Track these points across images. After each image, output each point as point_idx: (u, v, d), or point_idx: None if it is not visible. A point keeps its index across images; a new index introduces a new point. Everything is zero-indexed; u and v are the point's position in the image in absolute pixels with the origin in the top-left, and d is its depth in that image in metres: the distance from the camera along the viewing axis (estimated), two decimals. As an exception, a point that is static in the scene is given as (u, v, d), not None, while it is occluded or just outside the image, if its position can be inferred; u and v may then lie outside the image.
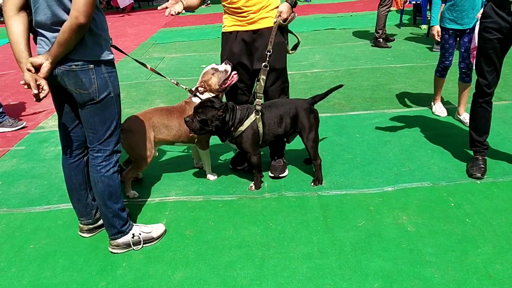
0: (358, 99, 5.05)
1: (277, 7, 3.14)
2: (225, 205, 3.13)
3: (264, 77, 3.18)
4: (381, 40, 7.44)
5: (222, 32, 3.30)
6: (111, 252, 2.72)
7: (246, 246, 2.67)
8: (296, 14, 3.19)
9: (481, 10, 3.24)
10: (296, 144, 3.60)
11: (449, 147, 3.70)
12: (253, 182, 3.32)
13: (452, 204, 2.93)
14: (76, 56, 2.28)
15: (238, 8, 3.09)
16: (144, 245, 2.74)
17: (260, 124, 3.14)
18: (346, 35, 8.60)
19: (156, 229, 2.81)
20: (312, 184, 3.29)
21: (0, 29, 7.60)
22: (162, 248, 2.72)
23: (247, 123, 3.11)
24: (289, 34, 3.31)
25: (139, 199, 3.30)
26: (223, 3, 3.17)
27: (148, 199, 3.30)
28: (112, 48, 3.11)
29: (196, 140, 3.37)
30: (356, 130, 4.21)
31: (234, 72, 3.27)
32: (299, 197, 3.15)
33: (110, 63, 2.43)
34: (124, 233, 2.70)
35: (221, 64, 3.27)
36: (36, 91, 2.24)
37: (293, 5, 3.13)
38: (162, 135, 3.27)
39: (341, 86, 3.44)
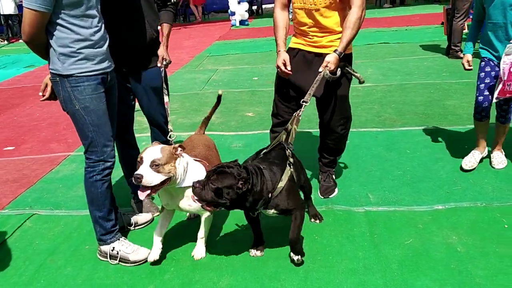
0: (410, 115, 4.96)
1: (339, 34, 2.99)
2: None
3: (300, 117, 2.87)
4: (460, 54, 7.32)
5: None
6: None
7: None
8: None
9: None
10: (345, 158, 3.57)
11: (504, 167, 3.57)
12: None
13: (506, 226, 2.82)
14: (50, 68, 2.53)
15: (304, 31, 3.12)
16: (119, 263, 2.76)
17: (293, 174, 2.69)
18: (400, 50, 8.47)
19: (138, 253, 2.76)
20: (313, 220, 3.03)
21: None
22: (209, 255, 2.79)
23: (285, 177, 2.58)
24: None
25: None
26: (293, 21, 3.20)
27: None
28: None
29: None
30: (407, 146, 4.14)
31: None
32: (346, 211, 3.13)
33: (75, 77, 2.48)
34: (105, 242, 2.79)
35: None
36: (40, 93, 2.68)
37: (340, 56, 2.91)
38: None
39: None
